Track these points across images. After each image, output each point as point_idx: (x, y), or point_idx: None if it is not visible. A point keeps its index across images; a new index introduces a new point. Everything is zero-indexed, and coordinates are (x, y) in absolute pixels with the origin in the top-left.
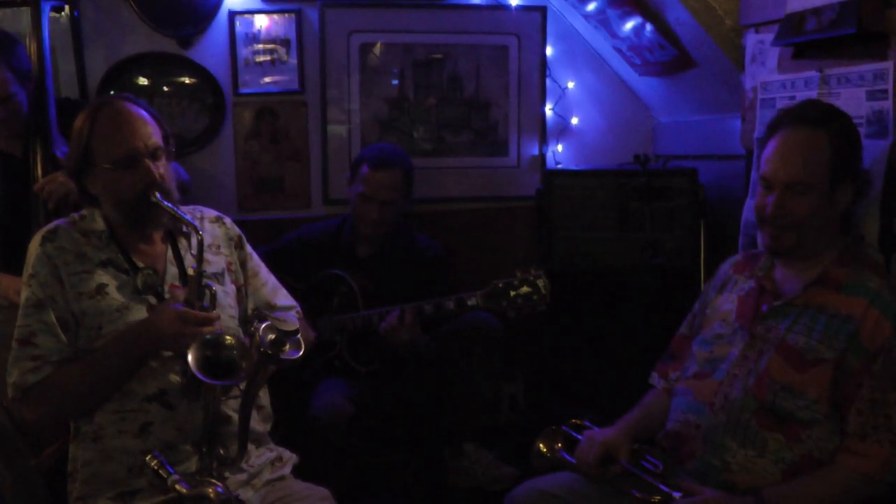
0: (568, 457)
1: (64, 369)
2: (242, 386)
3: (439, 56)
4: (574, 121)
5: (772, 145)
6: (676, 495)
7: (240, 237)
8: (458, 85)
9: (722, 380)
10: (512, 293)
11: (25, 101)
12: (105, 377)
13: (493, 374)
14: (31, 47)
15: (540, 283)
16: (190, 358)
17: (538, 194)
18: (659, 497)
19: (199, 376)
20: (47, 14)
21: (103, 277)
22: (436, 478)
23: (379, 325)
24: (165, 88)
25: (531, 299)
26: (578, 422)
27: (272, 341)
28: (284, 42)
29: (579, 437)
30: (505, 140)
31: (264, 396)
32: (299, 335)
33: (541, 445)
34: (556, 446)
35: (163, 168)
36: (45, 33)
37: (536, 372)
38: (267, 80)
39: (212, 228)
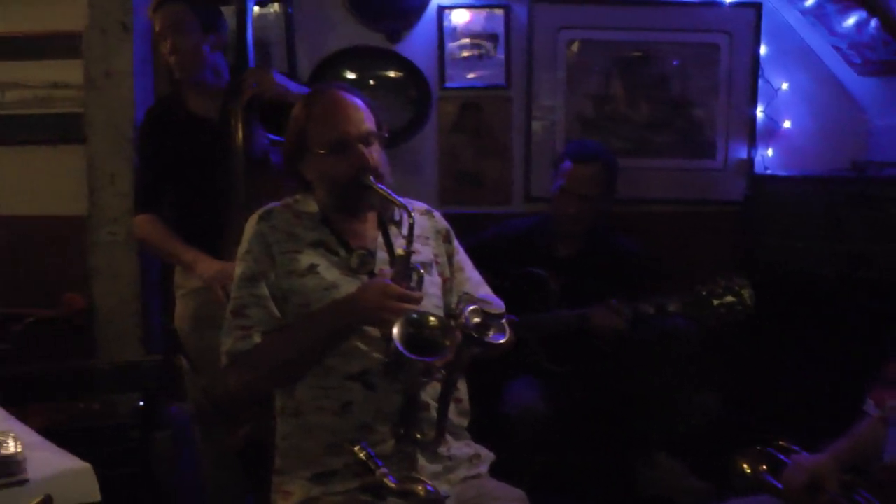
0: (773, 480)
1: (270, 338)
2: (443, 371)
3: (645, 54)
4: (786, 124)
5: None
6: None
7: (448, 231)
8: (664, 84)
9: None
10: (715, 302)
11: (207, 54)
12: (308, 347)
13: (688, 382)
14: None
15: (745, 293)
16: (394, 332)
17: (745, 200)
18: None
19: (402, 350)
20: (251, 10)
21: (314, 257)
22: (625, 485)
23: (577, 325)
24: (371, 82)
25: (734, 309)
26: (785, 444)
27: (477, 324)
28: (492, 37)
29: (786, 460)
30: (710, 142)
31: (463, 390)
32: (504, 320)
33: (744, 465)
34: (759, 468)
35: (376, 153)
36: (249, 28)
37: (732, 383)
38: (472, 74)
39: (421, 220)
